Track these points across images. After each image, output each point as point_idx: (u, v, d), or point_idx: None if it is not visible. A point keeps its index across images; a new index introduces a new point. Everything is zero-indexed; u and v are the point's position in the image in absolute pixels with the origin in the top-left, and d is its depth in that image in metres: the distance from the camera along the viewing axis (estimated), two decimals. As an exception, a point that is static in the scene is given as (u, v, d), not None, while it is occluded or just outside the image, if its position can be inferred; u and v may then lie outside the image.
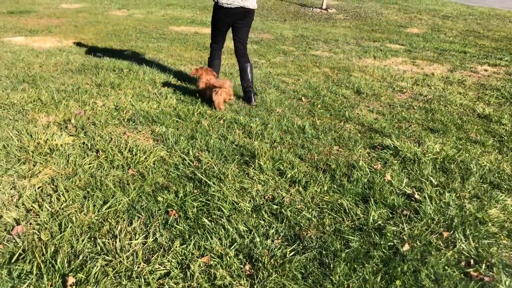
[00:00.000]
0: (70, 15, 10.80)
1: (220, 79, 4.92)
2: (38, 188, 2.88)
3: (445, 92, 5.81)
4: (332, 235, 2.57)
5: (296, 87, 5.64)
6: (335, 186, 3.12)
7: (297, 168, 3.33)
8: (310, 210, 2.81)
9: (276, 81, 5.86)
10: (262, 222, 2.66)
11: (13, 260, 2.19)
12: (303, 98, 5.21)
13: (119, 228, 2.50)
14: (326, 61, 7.39)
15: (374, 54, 8.11)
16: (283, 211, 2.77)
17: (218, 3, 4.64)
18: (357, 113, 4.78)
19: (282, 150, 3.67)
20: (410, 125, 4.49)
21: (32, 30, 8.70)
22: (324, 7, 13.87)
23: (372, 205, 2.88)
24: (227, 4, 4.59)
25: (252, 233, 2.53)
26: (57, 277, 2.09)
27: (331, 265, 2.30)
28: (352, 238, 2.54)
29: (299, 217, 2.73)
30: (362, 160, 3.56)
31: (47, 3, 12.38)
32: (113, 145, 3.56)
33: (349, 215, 2.79)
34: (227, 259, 2.30)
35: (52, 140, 3.56)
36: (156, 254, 2.31)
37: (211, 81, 4.74)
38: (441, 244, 2.53)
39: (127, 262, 2.23)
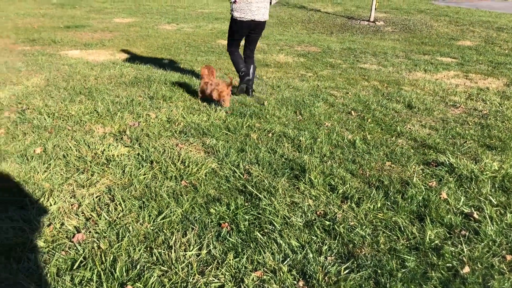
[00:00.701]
0: (122, 29, 11.22)
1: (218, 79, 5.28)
2: (96, 197, 2.99)
3: (502, 107, 5.59)
4: (387, 254, 2.51)
5: (345, 101, 5.59)
6: (388, 203, 3.05)
7: (349, 184, 3.29)
8: (364, 227, 2.76)
9: (325, 94, 5.84)
10: (315, 238, 2.63)
11: (75, 267, 2.28)
12: (352, 111, 5.15)
13: (173, 239, 2.55)
14: (375, 74, 7.29)
15: (424, 68, 7.92)
16: (336, 227, 2.74)
17: (233, 16, 5.21)
18: (409, 128, 4.67)
19: (332, 165, 3.63)
20: (466, 141, 4.34)
21: (87, 44, 9.10)
22: (371, 19, 13.74)
23: (428, 224, 2.80)
24: (240, 17, 5.16)
25: (305, 249, 2.51)
26: (116, 286, 2.15)
27: (387, 285, 2.24)
28: (408, 257, 2.47)
29: (352, 234, 2.69)
30: (416, 177, 3.47)
31: (101, 18, 12.92)
32: (167, 157, 3.65)
33: (404, 233, 2.72)
34: (280, 274, 2.30)
35: (108, 150, 3.69)
36: (210, 267, 2.34)
37: (211, 81, 5.17)
38: (505, 268, 2.42)
39: (182, 273, 2.27)
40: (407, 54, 9.26)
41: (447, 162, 3.74)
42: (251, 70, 5.54)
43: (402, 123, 4.83)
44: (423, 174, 3.56)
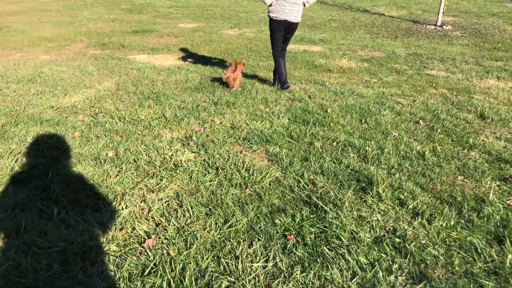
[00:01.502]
0: (187, 34, 11.52)
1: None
2: (165, 202, 3.05)
3: None
4: (463, 277, 2.37)
5: (413, 109, 5.39)
6: (463, 222, 2.89)
7: (419, 199, 3.15)
8: (436, 246, 2.63)
9: (391, 101, 5.66)
10: (384, 255, 2.54)
11: (145, 273, 2.33)
12: (420, 121, 4.95)
13: (240, 249, 2.55)
14: (443, 81, 6.98)
15: (497, 75, 7.49)
16: (406, 245, 2.62)
17: (270, 16, 5.85)
18: (483, 140, 4.41)
19: (401, 178, 3.50)
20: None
21: (154, 49, 9.41)
22: (438, 23, 13.19)
23: (508, 246, 2.61)
24: (275, 16, 5.82)
25: (374, 267, 2.42)
26: (185, 294, 2.17)
27: (464, 312, 2.11)
28: (487, 283, 2.32)
29: (424, 253, 2.56)
30: (492, 193, 3.27)
31: (167, 23, 13.33)
32: (231, 164, 3.67)
33: (482, 255, 2.56)
34: (349, 293, 2.23)
35: (176, 156, 3.77)
36: (277, 280, 2.31)
37: (227, 73, 6.03)
38: None
39: (249, 286, 2.26)
40: (478, 60, 8.80)
41: (527, 179, 3.50)
42: (283, 65, 6.20)
43: (474, 134, 4.58)
44: (500, 191, 3.34)
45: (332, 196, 3.18)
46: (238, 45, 10.01)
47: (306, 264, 2.44)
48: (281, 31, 5.95)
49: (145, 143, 4.05)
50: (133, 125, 4.57)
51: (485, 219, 2.91)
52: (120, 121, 4.65)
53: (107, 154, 3.78)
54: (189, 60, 8.27)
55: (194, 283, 2.24)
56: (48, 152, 3.80)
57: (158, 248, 2.55)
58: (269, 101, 5.56)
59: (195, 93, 5.82)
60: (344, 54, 9.20)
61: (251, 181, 3.38)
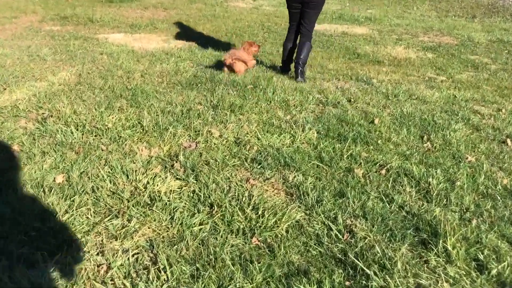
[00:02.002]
0: (180, 5, 11.51)
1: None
2: (133, 255, 2.92)
3: None
4: None
5: (497, 122, 5.24)
6: None
7: (507, 261, 2.96)
8: None
9: (466, 110, 5.51)
10: None
11: None
12: (508, 140, 4.79)
13: (238, 333, 2.38)
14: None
15: None
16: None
17: None
18: None
19: (479, 227, 3.34)
20: None
21: (134, 25, 9.40)
22: (534, -3, 13.00)
23: None
24: None
25: None
26: None
27: None
28: None
29: None
30: None
31: (154, -11, 13.38)
32: (232, 198, 3.55)
33: None
34: None
35: (153, 185, 3.65)
36: None
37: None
38: None
39: None
40: None
41: None
42: (304, 47, 6.53)
43: None
44: None
45: (378, 253, 3.03)
46: (251, 23, 9.94)
47: None
48: (297, 7, 6.49)
49: (110, 164, 3.94)
50: (95, 136, 4.47)
51: None
52: (77, 130, 4.56)
53: (54, 180, 3.68)
54: (181, 42, 8.20)
55: None
56: (-28, 173, 3.71)
57: (117, 328, 2.39)
58: (291, 104, 5.46)
59: (187, 91, 5.73)
60: (400, 39, 9.13)
61: (260, 226, 3.25)
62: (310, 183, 3.82)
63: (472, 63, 7.76)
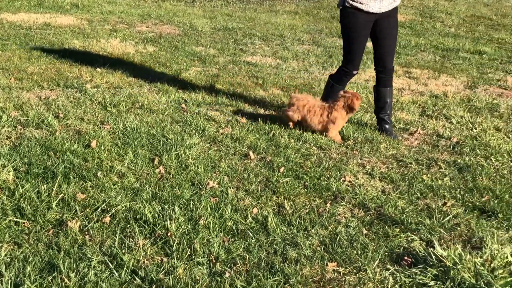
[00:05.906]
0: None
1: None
2: None
3: (474, 129, 5.34)
4: None
5: (235, 130, 4.88)
6: None
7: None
8: None
9: (199, 119, 5.11)
10: None
11: None
12: (251, 152, 4.52)
13: None
14: (272, 75, 6.79)
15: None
16: None
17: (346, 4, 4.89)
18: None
19: (235, 283, 2.86)
20: (445, 203, 3.87)
21: None
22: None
23: None
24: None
25: None
26: None
27: None
28: None
29: None
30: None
31: None
32: None
33: None
34: None
35: None
36: None
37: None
38: None
39: None
40: (314, 38, 9.03)
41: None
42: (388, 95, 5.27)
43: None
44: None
45: None
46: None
47: None
48: (365, 35, 5.08)
49: None
50: None
51: None
52: None
53: None
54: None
55: None
56: None
57: None
58: None
59: None
60: (114, 31, 8.73)
61: None
62: (5, 255, 2.98)
63: (198, 56, 7.65)
